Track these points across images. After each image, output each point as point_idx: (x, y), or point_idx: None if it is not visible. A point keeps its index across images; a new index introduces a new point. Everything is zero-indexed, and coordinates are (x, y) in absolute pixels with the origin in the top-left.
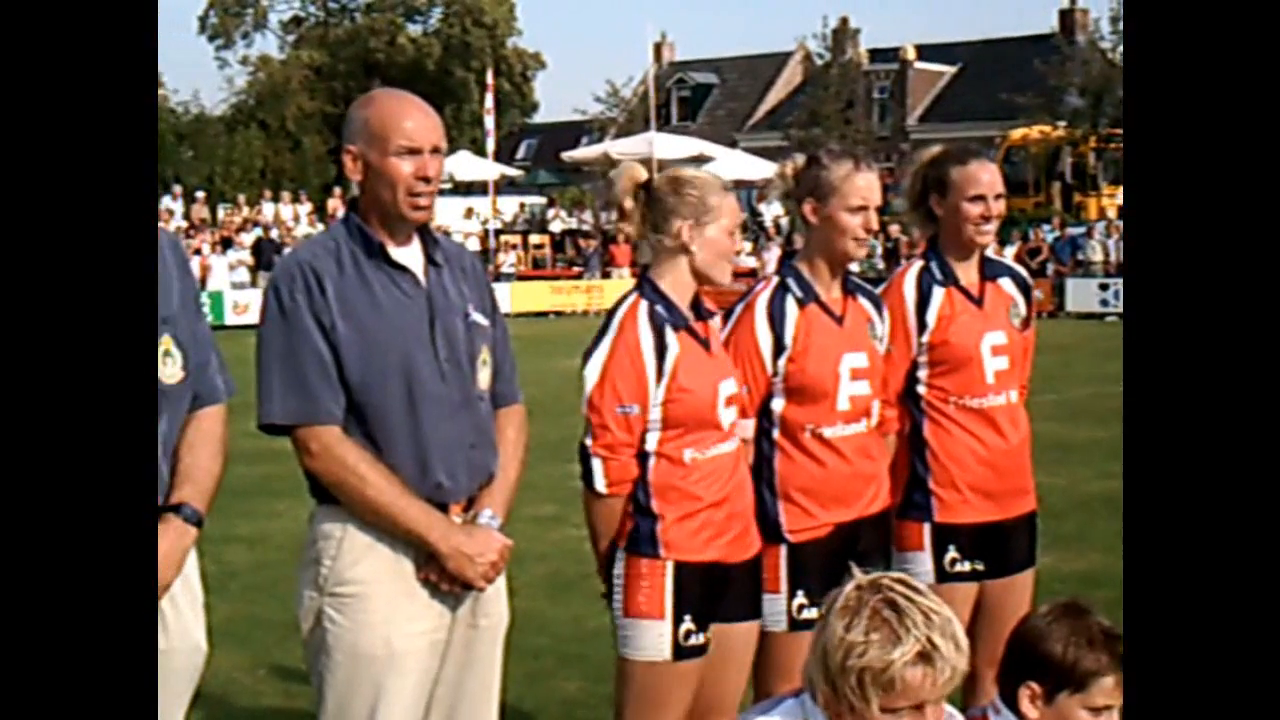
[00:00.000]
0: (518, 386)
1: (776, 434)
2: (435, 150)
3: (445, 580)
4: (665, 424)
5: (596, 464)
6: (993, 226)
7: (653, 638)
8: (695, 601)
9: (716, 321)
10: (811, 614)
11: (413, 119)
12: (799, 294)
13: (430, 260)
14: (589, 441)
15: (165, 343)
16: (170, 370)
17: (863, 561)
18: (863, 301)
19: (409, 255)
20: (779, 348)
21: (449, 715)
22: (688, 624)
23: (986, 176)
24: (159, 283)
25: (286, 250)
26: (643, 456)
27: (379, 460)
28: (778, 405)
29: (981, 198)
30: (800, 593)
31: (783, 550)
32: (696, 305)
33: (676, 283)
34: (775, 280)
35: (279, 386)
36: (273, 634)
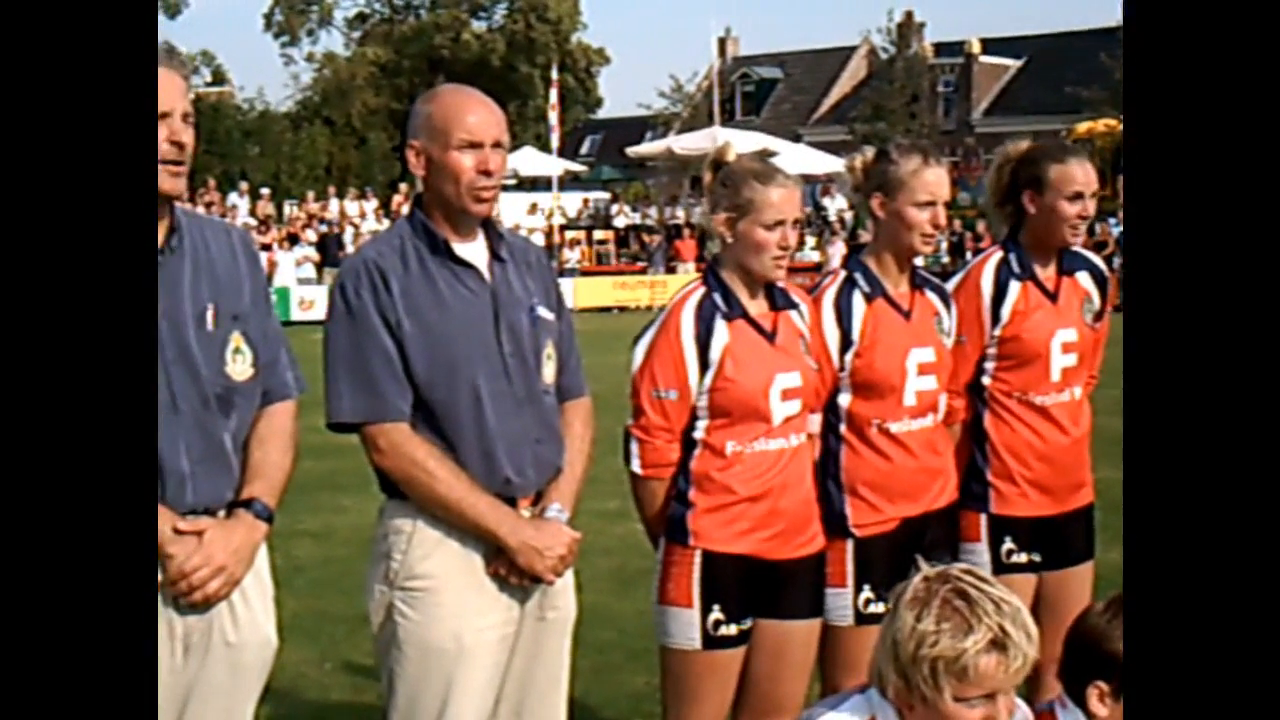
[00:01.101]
0: (583, 380)
1: (843, 429)
2: (497, 144)
3: (514, 574)
4: (711, 412)
5: (634, 445)
6: (1085, 225)
7: (681, 625)
8: (726, 592)
9: (800, 313)
10: (878, 608)
11: (474, 113)
12: (866, 289)
13: (495, 256)
14: (629, 422)
15: (236, 340)
16: (240, 367)
17: (929, 556)
18: (930, 296)
19: (474, 251)
20: (846, 342)
21: (517, 709)
22: (716, 614)
23: (1084, 175)
24: (231, 279)
25: (352, 247)
26: (690, 443)
27: (447, 456)
28: (844, 400)
29: (1080, 196)
30: (866, 587)
31: (849, 545)
32: (774, 295)
33: (737, 272)
34: (842, 275)
35: (347, 385)
36: (340, 628)
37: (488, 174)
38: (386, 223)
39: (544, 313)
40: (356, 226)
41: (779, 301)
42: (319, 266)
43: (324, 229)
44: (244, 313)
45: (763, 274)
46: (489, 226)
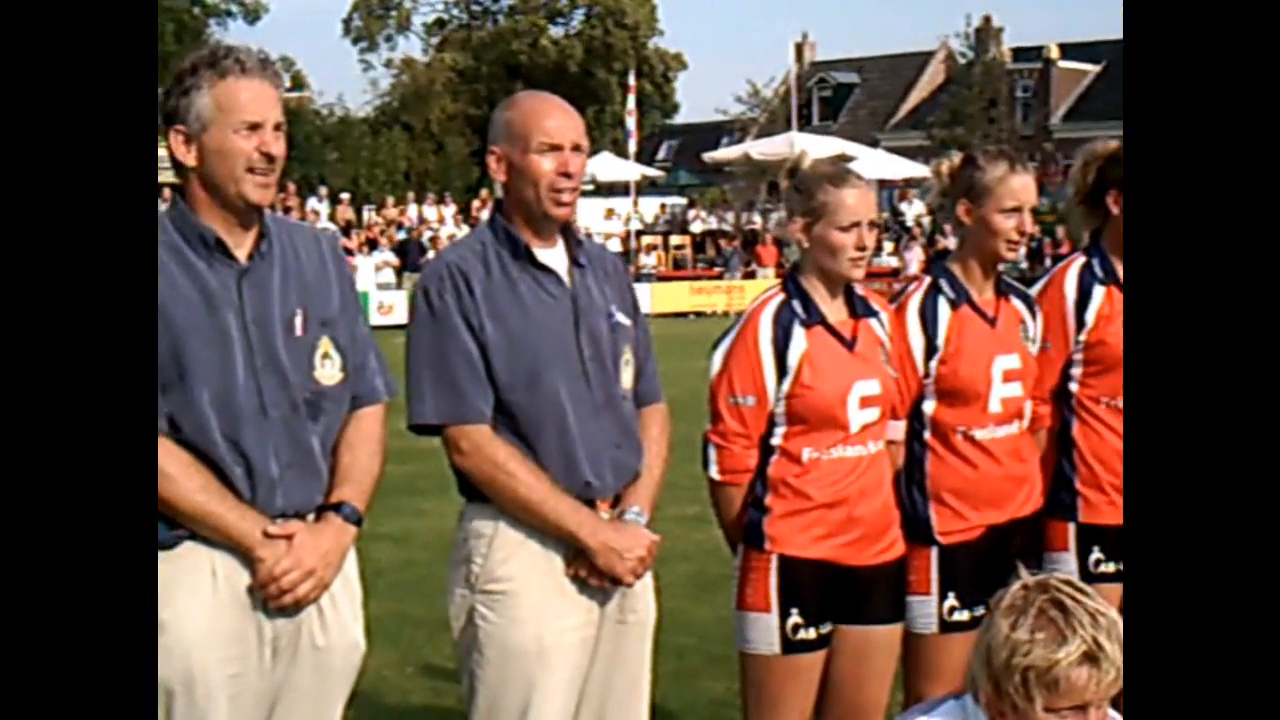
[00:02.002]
0: (659, 386)
1: (928, 436)
2: (576, 148)
3: (594, 576)
4: (788, 419)
5: (711, 450)
6: None
7: (761, 630)
8: (804, 597)
9: (880, 321)
10: (962, 616)
11: (553, 117)
12: (951, 295)
13: (574, 261)
14: (707, 428)
15: (324, 345)
16: (329, 372)
17: (1014, 564)
18: (1015, 302)
19: (554, 256)
20: (930, 349)
21: (599, 711)
22: (795, 618)
23: None
24: (320, 285)
25: (432, 252)
26: (767, 450)
27: (528, 458)
28: (929, 407)
29: None
30: (951, 595)
31: (933, 552)
32: (854, 302)
33: (816, 277)
34: (927, 281)
35: (429, 387)
36: (420, 632)
37: (567, 176)
38: (465, 228)
39: (622, 318)
40: (435, 231)
41: (859, 309)
42: (398, 271)
43: (403, 234)
44: (332, 318)
45: (842, 275)
46: (568, 232)
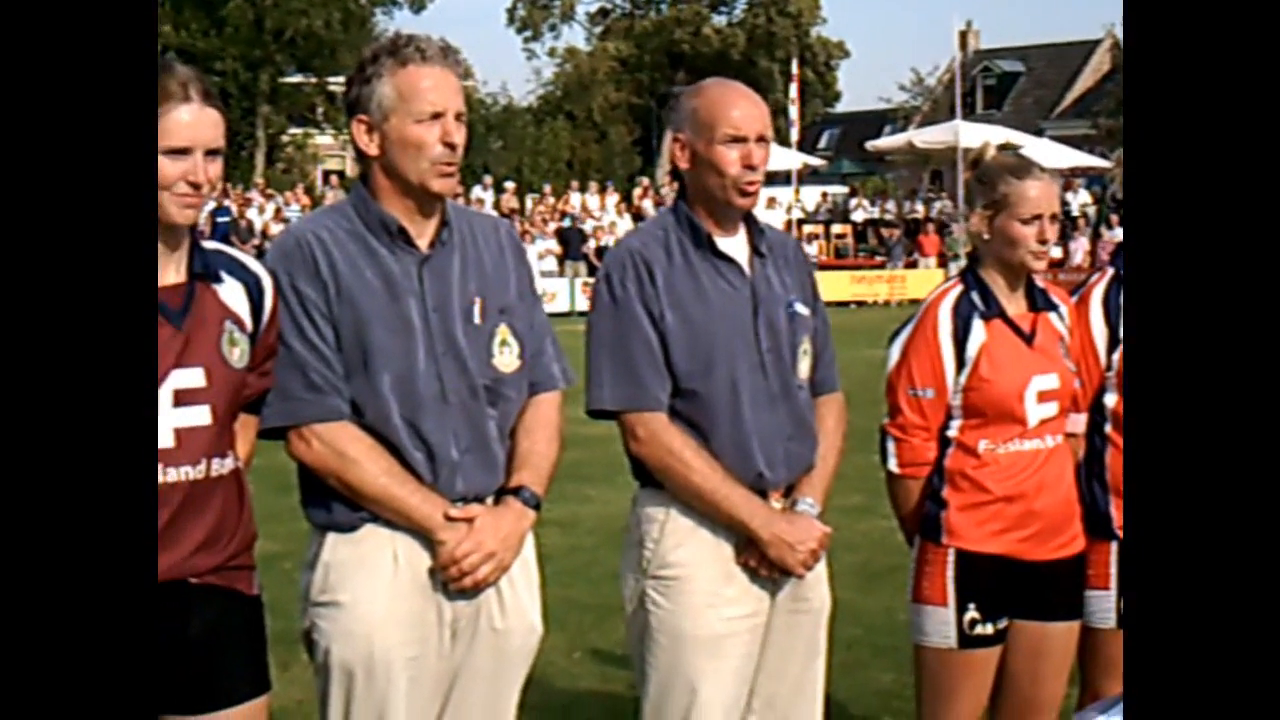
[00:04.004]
0: (837, 375)
1: (1109, 429)
2: (761, 139)
3: (764, 566)
4: (965, 412)
5: (890, 443)
6: None
7: (937, 624)
8: (981, 591)
9: (1060, 315)
10: None
11: (739, 108)
12: None
13: (756, 250)
14: (885, 421)
15: (503, 332)
16: (507, 359)
17: None
18: None
19: (735, 245)
20: (1114, 341)
21: (770, 699)
22: (972, 613)
23: None
24: (499, 273)
25: (593, 241)
26: (944, 442)
27: (703, 447)
28: (1110, 400)
29: None
30: None
31: (1113, 546)
32: (1034, 295)
33: (996, 270)
34: (1110, 273)
35: (608, 373)
36: (588, 617)
37: (751, 168)
38: (628, 217)
39: (801, 308)
40: (598, 220)
41: (1039, 302)
42: (560, 260)
43: (565, 223)
44: (510, 305)
45: (1022, 268)
46: (750, 221)
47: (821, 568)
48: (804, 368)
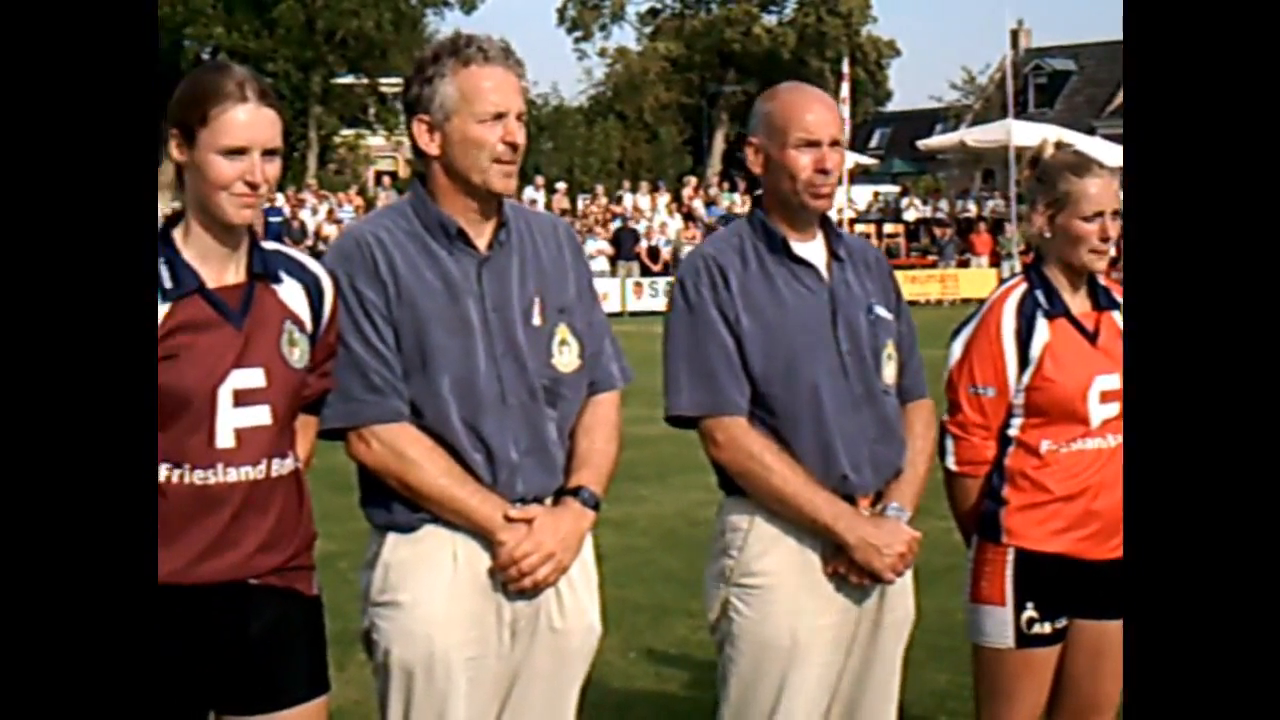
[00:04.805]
0: (924, 381)
1: None
2: (834, 143)
3: (853, 572)
4: (1028, 411)
5: (949, 441)
6: None
7: (995, 624)
8: (1040, 590)
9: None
10: None
11: (813, 111)
12: None
13: (834, 255)
14: (945, 418)
15: (562, 332)
16: (566, 359)
17: None
18: None
19: (812, 250)
20: None
21: (850, 709)
22: (1030, 612)
23: None
24: (557, 272)
25: (645, 241)
26: (1005, 441)
27: (784, 451)
28: None
29: None
30: None
31: None
32: (1097, 294)
33: (1059, 268)
34: None
35: (686, 378)
36: (643, 617)
37: (825, 172)
38: (678, 217)
39: (882, 312)
40: (648, 220)
41: (1102, 301)
42: (612, 260)
43: (617, 224)
44: (569, 305)
45: (1084, 266)
46: (828, 225)
47: (908, 578)
48: (889, 372)
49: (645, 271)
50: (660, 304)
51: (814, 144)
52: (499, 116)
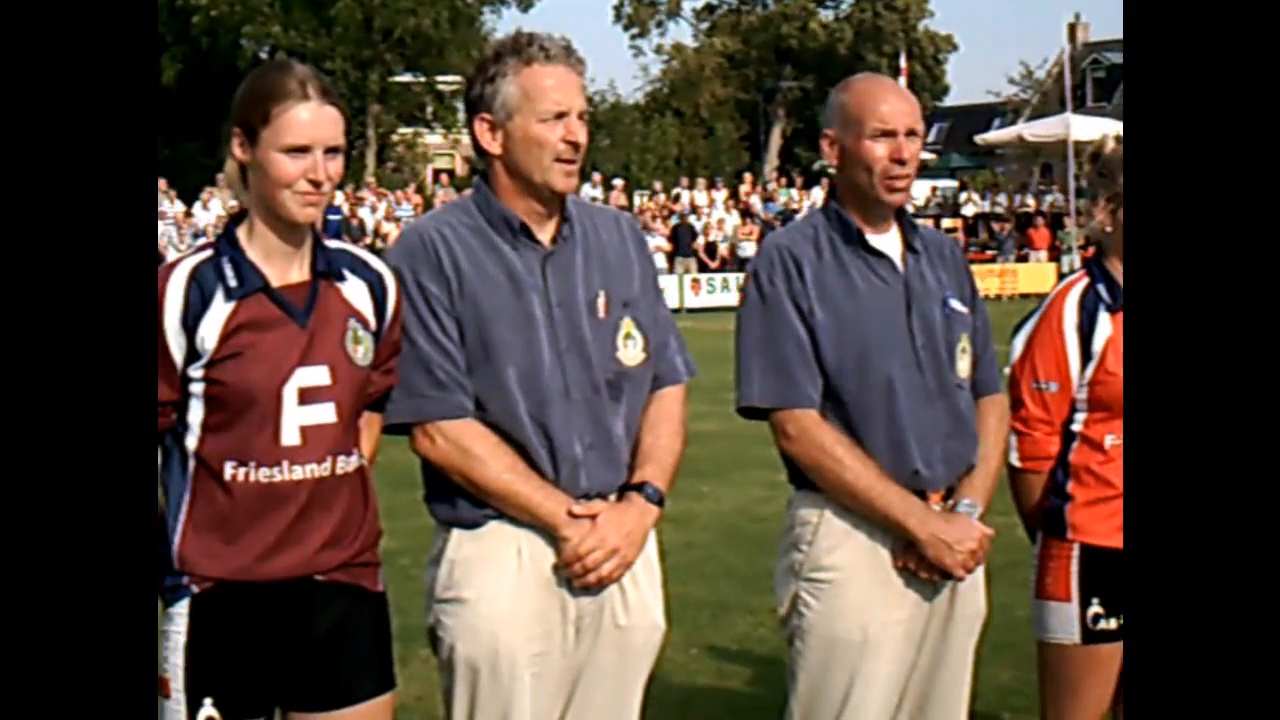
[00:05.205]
0: (998, 376)
1: None
2: (911, 133)
3: (923, 568)
4: (1091, 405)
5: (1012, 437)
6: None
7: (1061, 620)
8: (1106, 586)
9: None
10: None
11: (888, 102)
12: None
13: (909, 247)
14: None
15: (627, 325)
16: (632, 352)
17: None
18: None
19: (887, 242)
20: None
21: (921, 705)
22: (1095, 608)
23: None
24: (622, 266)
25: (702, 238)
26: (1068, 436)
27: (856, 445)
28: None
29: None
30: None
31: None
32: None
33: (1121, 264)
34: None
35: (758, 370)
36: (704, 614)
37: (901, 163)
38: (735, 213)
39: (957, 305)
40: (706, 216)
41: None
42: (670, 257)
43: (675, 220)
44: (634, 299)
45: None
46: (903, 218)
47: (980, 574)
48: (963, 366)
49: (703, 268)
50: (717, 300)
51: (890, 134)
52: (561, 115)
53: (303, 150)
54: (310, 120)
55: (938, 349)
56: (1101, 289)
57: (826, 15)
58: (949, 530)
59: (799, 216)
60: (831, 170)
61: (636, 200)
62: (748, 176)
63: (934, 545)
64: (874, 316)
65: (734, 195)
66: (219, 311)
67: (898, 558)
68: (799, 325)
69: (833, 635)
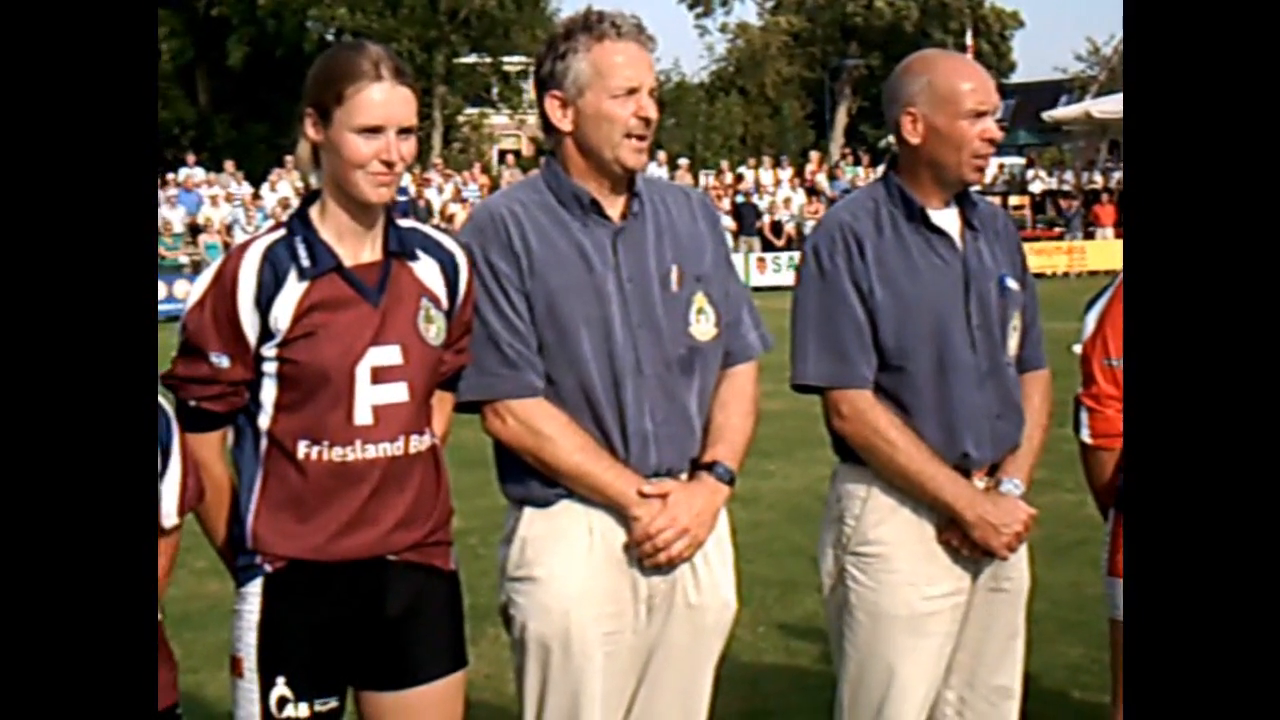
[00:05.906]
0: (1044, 352)
1: None
2: (995, 112)
3: (966, 547)
4: None
5: (1084, 414)
6: None
7: None
8: None
9: None
10: None
11: (979, 82)
12: None
13: (968, 224)
14: (1079, 391)
15: (699, 300)
16: (704, 327)
17: None
18: None
19: (947, 219)
20: None
21: (969, 678)
22: None
23: None
24: (693, 241)
25: (767, 217)
26: None
27: (907, 427)
28: None
29: None
30: None
31: None
32: None
33: None
34: None
35: (814, 348)
36: (771, 591)
37: (992, 141)
38: (801, 192)
39: (1012, 283)
40: (772, 195)
41: None
42: (735, 235)
43: (740, 199)
44: (706, 273)
45: None
46: (962, 194)
47: (1023, 548)
48: (1013, 344)
49: (768, 246)
50: (783, 279)
51: (983, 114)
52: (632, 91)
53: (376, 131)
54: (383, 101)
55: (991, 329)
56: None
57: None
58: (996, 513)
59: (857, 191)
60: (898, 147)
61: (702, 179)
62: (814, 155)
63: (981, 527)
64: (934, 298)
65: (800, 174)
66: (292, 291)
67: (941, 533)
68: (857, 305)
69: (880, 610)
